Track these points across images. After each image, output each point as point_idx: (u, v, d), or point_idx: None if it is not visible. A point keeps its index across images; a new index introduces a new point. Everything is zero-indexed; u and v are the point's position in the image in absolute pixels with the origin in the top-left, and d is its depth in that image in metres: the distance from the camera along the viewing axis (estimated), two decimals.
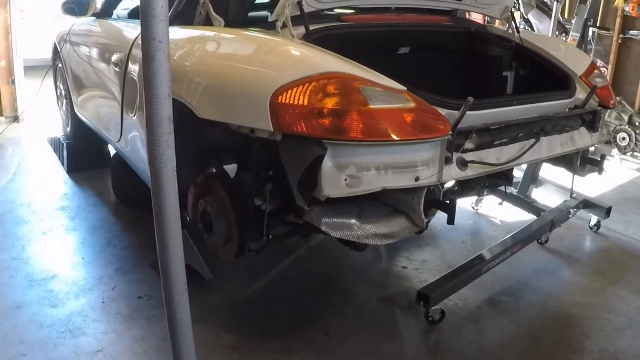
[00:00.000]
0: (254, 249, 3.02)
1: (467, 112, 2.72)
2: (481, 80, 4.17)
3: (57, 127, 6.34)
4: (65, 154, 5.71)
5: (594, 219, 4.81)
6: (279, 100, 2.39)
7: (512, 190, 4.87)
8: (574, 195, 4.73)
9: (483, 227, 4.89)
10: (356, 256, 4.24)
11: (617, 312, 3.72)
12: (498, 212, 5.04)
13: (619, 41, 7.36)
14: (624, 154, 6.38)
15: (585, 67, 3.92)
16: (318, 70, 2.48)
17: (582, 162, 4.01)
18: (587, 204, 4.75)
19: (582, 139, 3.67)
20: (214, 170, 3.25)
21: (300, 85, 2.39)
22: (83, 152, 5.70)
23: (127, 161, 4.02)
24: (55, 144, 6.19)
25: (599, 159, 4.04)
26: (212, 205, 3.03)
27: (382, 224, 2.78)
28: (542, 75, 3.94)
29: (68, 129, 5.88)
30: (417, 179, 2.60)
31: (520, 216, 4.82)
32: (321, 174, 2.42)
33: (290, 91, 2.39)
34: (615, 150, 6.45)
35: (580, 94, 3.71)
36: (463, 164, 2.83)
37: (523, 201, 4.76)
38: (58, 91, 6.14)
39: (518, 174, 5.13)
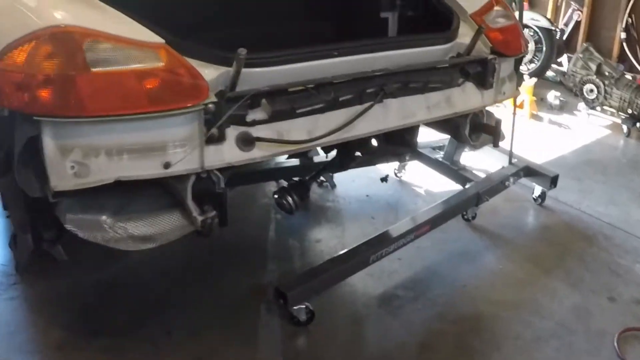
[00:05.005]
0: (48, 239, 2.56)
1: (258, 70, 2.22)
2: (355, 24, 3.33)
3: None
4: None
5: (537, 190, 3.97)
6: None
7: (438, 155, 4.03)
8: (514, 160, 3.91)
9: (403, 198, 4.05)
10: (235, 235, 3.51)
11: (543, 313, 2.99)
12: (424, 181, 4.21)
13: None
14: (592, 108, 5.48)
15: (482, 4, 3.04)
16: (41, 24, 2.00)
17: (473, 129, 3.13)
18: (530, 172, 3.93)
19: (466, 99, 2.88)
20: None
21: (18, 47, 1.97)
22: None
23: None
24: None
25: (493, 125, 3.13)
26: (5, 191, 2.64)
27: (145, 223, 2.26)
28: (429, 16, 3.09)
29: None
30: (167, 166, 2.10)
31: (451, 186, 3.96)
32: (45, 160, 2.00)
33: (8, 55, 1.97)
34: (582, 105, 5.55)
35: (468, 37, 2.90)
36: (246, 143, 2.22)
37: (448, 168, 3.94)
38: None
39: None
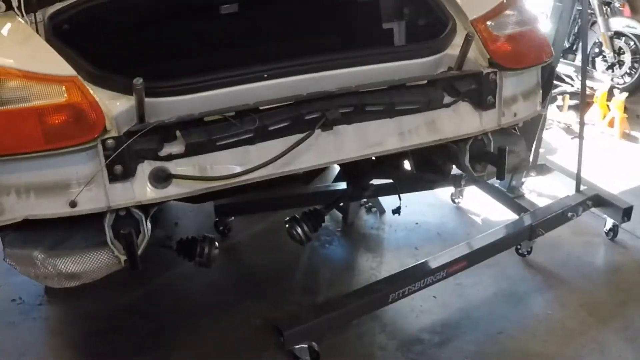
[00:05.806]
0: None
1: (175, 99, 2.05)
2: (353, 39, 2.94)
3: None
4: None
5: (609, 222, 3.51)
6: None
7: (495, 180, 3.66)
8: (584, 188, 3.48)
9: (456, 228, 3.71)
10: (266, 263, 3.42)
11: None
12: (484, 208, 3.83)
13: None
14: None
15: (487, 8, 2.51)
16: None
17: (474, 158, 2.60)
18: (600, 201, 3.47)
19: (458, 122, 2.42)
20: None
21: None
22: None
23: None
24: None
25: (496, 154, 2.55)
26: None
27: (73, 260, 2.08)
28: (431, 25, 2.66)
29: None
30: (73, 205, 1.98)
31: (514, 215, 3.57)
32: None
33: None
34: None
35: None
36: (159, 180, 2.03)
37: (503, 195, 3.56)
38: None
39: None
